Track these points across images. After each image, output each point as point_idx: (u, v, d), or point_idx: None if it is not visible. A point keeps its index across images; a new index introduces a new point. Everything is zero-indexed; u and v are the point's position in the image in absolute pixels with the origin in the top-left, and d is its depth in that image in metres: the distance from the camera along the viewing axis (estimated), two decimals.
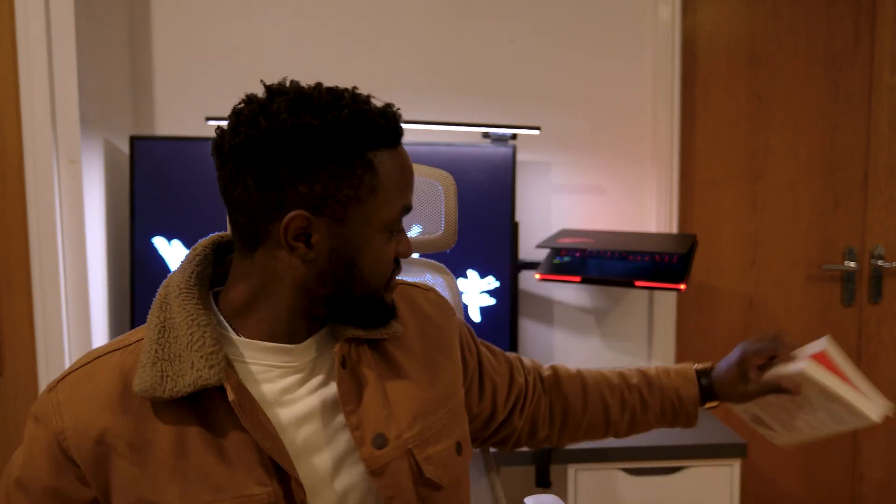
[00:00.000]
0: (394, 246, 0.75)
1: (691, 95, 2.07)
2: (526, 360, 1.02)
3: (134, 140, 1.73)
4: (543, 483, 1.62)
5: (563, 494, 1.60)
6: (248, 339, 0.74)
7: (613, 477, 1.55)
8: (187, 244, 1.75)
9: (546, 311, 2.05)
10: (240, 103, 0.71)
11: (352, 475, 0.76)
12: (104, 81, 1.77)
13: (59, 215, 1.64)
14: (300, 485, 0.71)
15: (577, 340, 2.06)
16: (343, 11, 1.93)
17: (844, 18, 2.08)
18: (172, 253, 1.75)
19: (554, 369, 1.03)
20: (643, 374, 1.02)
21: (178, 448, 0.68)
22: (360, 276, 0.73)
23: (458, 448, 0.82)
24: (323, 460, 0.75)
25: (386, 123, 0.71)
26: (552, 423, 1.01)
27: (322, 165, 0.68)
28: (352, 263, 0.72)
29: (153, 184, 1.74)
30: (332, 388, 0.76)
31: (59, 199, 1.64)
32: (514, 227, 1.82)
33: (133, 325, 1.74)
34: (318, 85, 0.71)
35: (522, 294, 2.02)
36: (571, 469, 1.57)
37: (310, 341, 0.77)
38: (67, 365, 1.65)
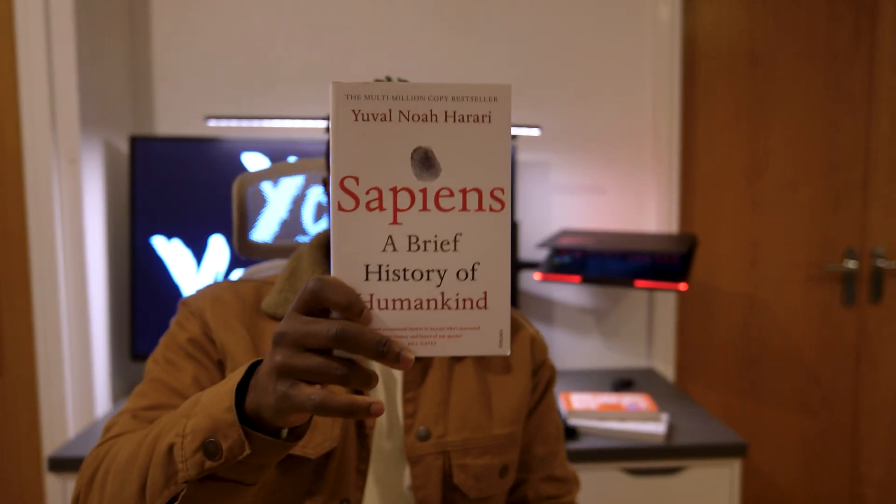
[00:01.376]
0: None
1: (691, 95, 2.07)
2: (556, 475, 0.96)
3: (134, 140, 1.73)
4: None
5: None
6: None
7: (613, 477, 1.55)
8: (187, 244, 1.74)
9: (546, 311, 2.05)
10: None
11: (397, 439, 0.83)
12: (104, 81, 1.77)
13: (59, 215, 1.64)
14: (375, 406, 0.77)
15: (577, 340, 2.06)
16: (343, 11, 1.93)
17: (844, 18, 2.08)
18: (172, 252, 1.75)
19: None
20: None
21: None
22: None
23: (503, 471, 0.86)
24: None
25: None
26: None
27: None
28: None
29: (153, 184, 1.74)
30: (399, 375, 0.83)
31: (58, 199, 1.64)
32: (514, 227, 1.82)
33: (133, 326, 1.74)
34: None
35: (522, 294, 2.02)
36: None
37: None
38: (67, 365, 1.66)
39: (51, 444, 1.66)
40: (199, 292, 0.86)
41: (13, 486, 1.71)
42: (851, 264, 2.11)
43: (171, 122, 1.91)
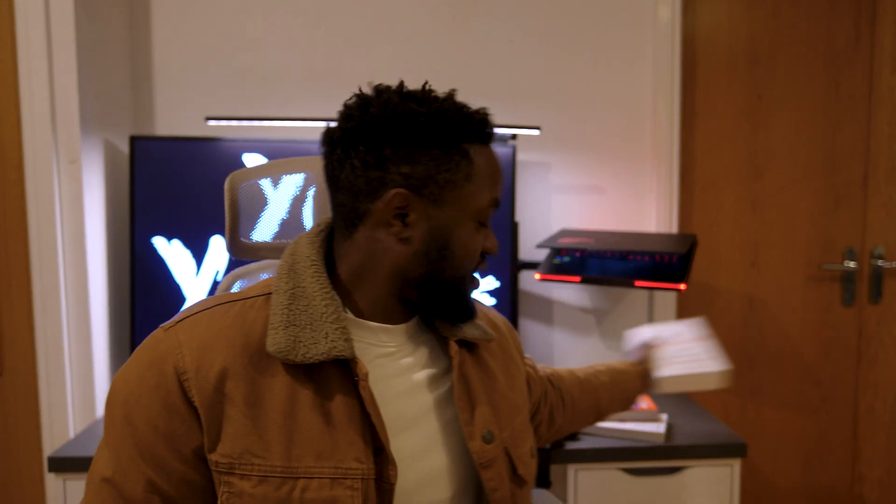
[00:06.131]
0: (481, 238, 0.80)
1: (691, 95, 2.07)
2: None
3: (134, 140, 1.73)
4: (543, 483, 1.62)
5: (563, 494, 1.60)
6: (353, 317, 0.78)
7: (613, 477, 1.55)
8: (187, 244, 1.75)
9: (546, 311, 2.05)
10: (351, 98, 0.77)
11: (438, 459, 0.79)
12: (104, 81, 1.77)
13: (59, 215, 1.64)
14: (394, 464, 0.73)
15: (577, 340, 2.06)
16: (343, 11, 1.93)
17: (844, 18, 2.07)
18: (172, 253, 1.75)
19: (543, 368, 1.14)
20: (609, 369, 1.20)
21: (289, 409, 0.70)
22: (451, 258, 0.77)
23: (532, 451, 0.89)
24: (413, 439, 0.78)
25: (482, 121, 0.77)
26: (564, 410, 1.12)
27: (423, 149, 0.74)
28: (444, 245, 0.76)
29: (153, 184, 1.74)
30: (426, 374, 0.81)
31: (59, 199, 1.64)
32: (514, 227, 1.82)
33: (133, 325, 1.74)
34: (424, 86, 0.78)
35: (522, 294, 2.02)
36: (571, 469, 1.57)
37: (402, 326, 0.82)
38: (68, 365, 1.66)
39: (51, 445, 1.66)
40: (171, 341, 0.72)
41: (14, 486, 1.72)
42: (851, 264, 2.11)
43: (171, 122, 1.91)
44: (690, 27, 2.06)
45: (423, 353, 0.83)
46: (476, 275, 0.82)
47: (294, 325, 0.72)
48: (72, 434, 1.67)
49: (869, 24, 2.08)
